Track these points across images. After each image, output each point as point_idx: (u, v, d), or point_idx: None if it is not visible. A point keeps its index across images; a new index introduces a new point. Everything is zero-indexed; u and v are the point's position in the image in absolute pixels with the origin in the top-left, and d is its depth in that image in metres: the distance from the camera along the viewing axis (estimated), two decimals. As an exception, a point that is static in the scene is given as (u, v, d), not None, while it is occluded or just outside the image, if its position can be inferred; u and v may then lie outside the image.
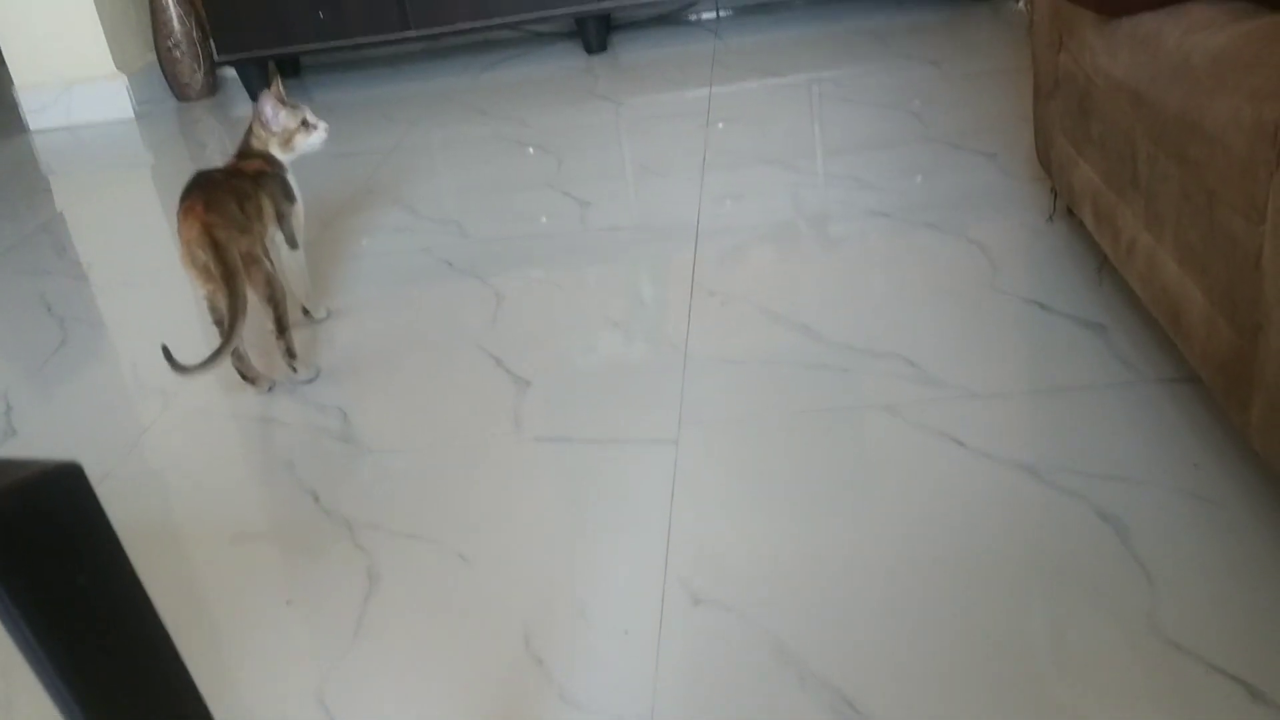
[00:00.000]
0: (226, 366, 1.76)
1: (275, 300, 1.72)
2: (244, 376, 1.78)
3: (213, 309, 1.71)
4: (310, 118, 1.88)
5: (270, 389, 1.78)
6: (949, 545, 1.23)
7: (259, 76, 3.59)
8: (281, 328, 1.73)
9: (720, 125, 2.73)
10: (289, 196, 1.88)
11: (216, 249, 1.63)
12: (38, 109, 3.63)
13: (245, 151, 1.88)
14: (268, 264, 1.74)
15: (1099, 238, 1.56)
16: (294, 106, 1.88)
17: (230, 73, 3.75)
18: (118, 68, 3.57)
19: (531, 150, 2.77)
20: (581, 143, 2.77)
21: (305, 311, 1.97)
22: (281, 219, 1.85)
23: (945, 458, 1.37)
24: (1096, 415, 1.41)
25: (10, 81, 3.65)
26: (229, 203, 1.70)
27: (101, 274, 2.44)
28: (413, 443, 1.59)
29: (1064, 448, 1.36)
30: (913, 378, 1.54)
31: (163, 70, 3.68)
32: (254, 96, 3.59)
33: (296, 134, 1.86)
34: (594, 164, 2.62)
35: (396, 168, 2.77)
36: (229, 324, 1.65)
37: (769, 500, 1.35)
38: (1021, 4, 1.94)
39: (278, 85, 1.90)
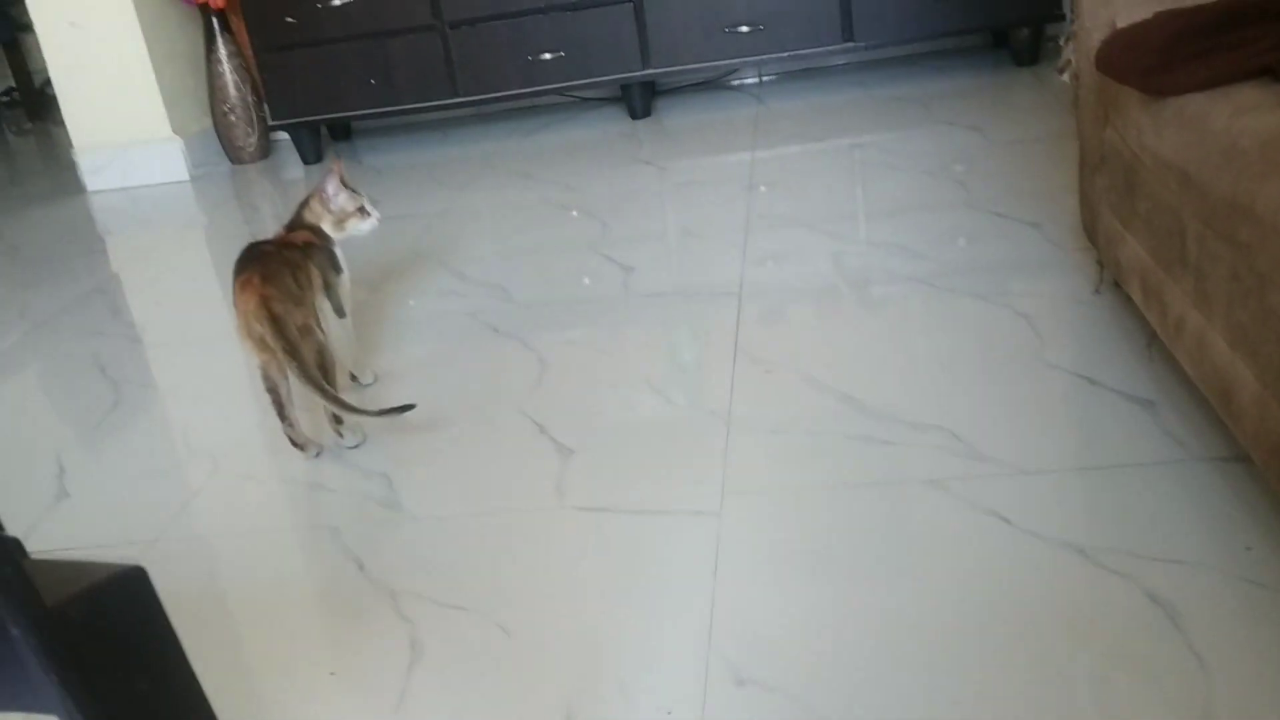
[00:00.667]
0: (276, 432, 1.79)
1: (325, 368, 1.75)
2: (293, 442, 1.80)
3: (266, 378, 1.76)
4: (367, 205, 1.94)
5: (318, 455, 1.80)
6: (996, 626, 1.21)
7: (311, 141, 3.67)
8: (329, 397, 1.75)
9: (762, 189, 2.75)
10: (336, 268, 1.93)
11: (275, 322, 1.67)
12: (95, 170, 3.73)
13: (296, 223, 1.93)
14: (319, 334, 1.77)
15: (1147, 313, 1.55)
16: (354, 192, 1.94)
17: (283, 137, 3.84)
18: (174, 131, 3.66)
19: (575, 214, 2.80)
20: (625, 207, 2.80)
21: (353, 377, 2.00)
22: (329, 289, 1.89)
23: (992, 536, 1.36)
24: (1146, 494, 1.39)
25: (69, 143, 3.75)
26: (284, 275, 1.75)
27: (155, 335, 2.49)
28: (456, 510, 1.60)
29: (1113, 527, 1.34)
30: (958, 452, 1.53)
31: (218, 134, 3.77)
32: (306, 160, 3.67)
33: (351, 217, 1.93)
34: (637, 228, 2.64)
35: (444, 231, 2.82)
36: (313, 384, 1.67)
37: (813, 576, 1.34)
38: (1065, 77, 1.95)
39: (342, 168, 1.95)
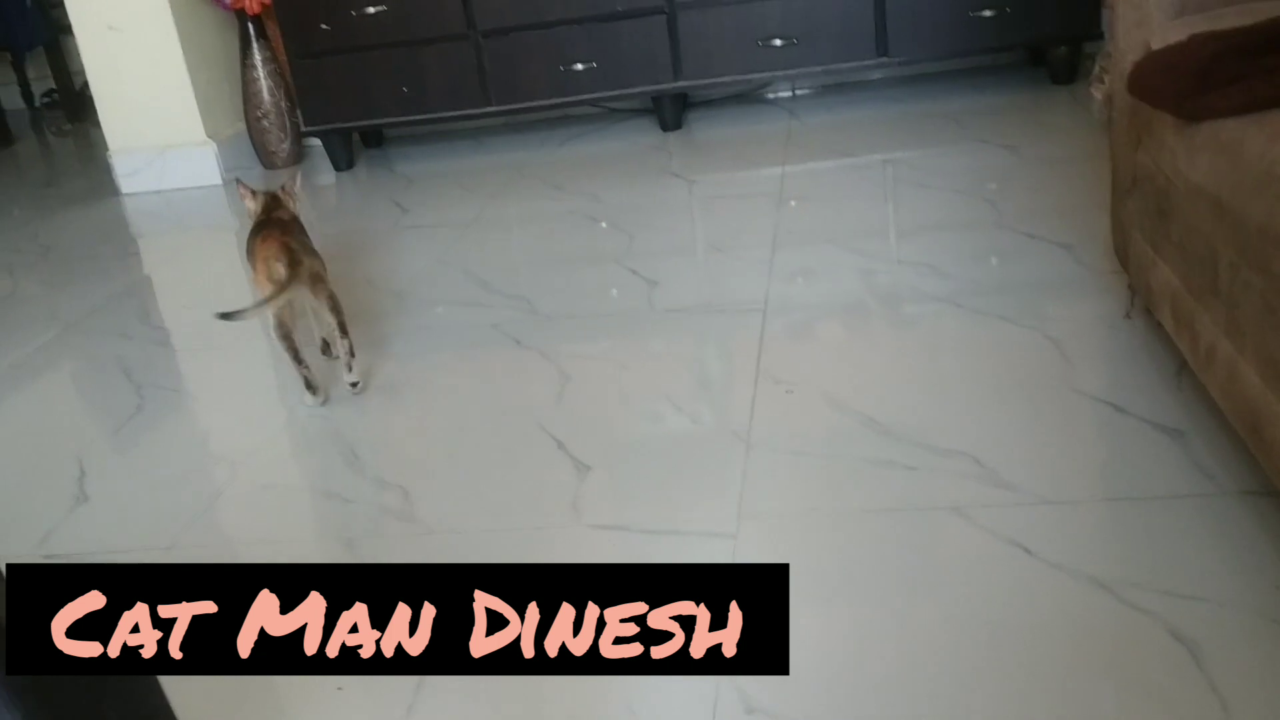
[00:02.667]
0: (295, 439, 1.79)
1: (338, 309, 1.98)
2: (307, 384, 1.98)
3: (280, 325, 1.94)
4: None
5: (324, 402, 2.00)
6: (1015, 659, 1.19)
7: (343, 147, 3.68)
8: (344, 331, 1.98)
9: (792, 204, 2.73)
10: None
11: (290, 254, 1.91)
12: (130, 173, 3.76)
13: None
14: (329, 284, 2.01)
15: (1178, 341, 1.52)
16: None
17: (315, 142, 3.86)
18: (208, 135, 3.69)
19: (604, 225, 2.79)
20: (653, 220, 2.79)
21: (325, 347, 2.18)
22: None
23: (1013, 566, 1.33)
24: (1173, 527, 1.36)
25: (105, 146, 3.79)
26: (301, 234, 2.05)
27: (181, 339, 2.50)
28: (472, 525, 1.59)
29: (1138, 561, 1.31)
30: (981, 479, 1.50)
31: (251, 139, 3.79)
32: (337, 166, 3.69)
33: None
34: (664, 241, 2.63)
35: (472, 240, 2.81)
36: (286, 280, 1.89)
37: (828, 604, 1.32)
38: (1099, 98, 1.91)
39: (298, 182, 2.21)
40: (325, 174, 3.72)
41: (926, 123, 3.23)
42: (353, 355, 2.01)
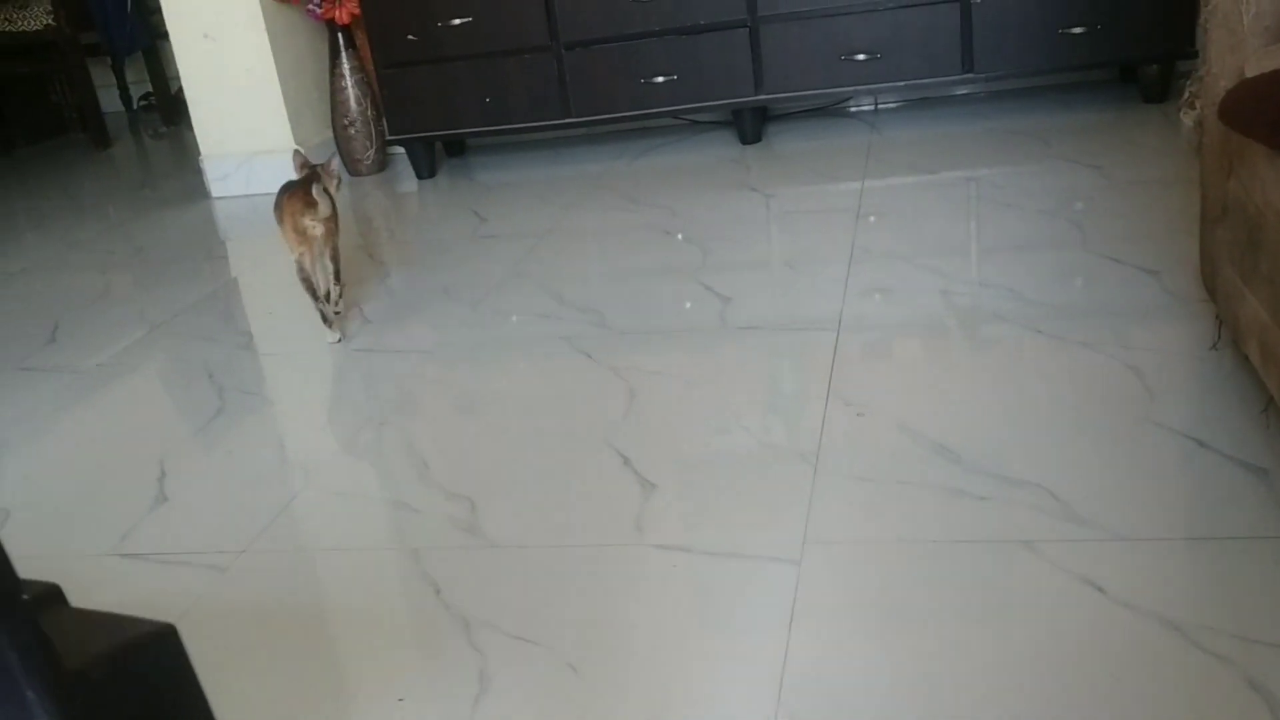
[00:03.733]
0: (367, 448, 1.81)
1: (336, 258, 2.41)
2: (324, 318, 2.40)
3: (300, 269, 2.34)
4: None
5: (339, 340, 2.41)
6: (1081, 701, 1.16)
7: (426, 156, 3.73)
8: (338, 278, 2.41)
9: (871, 219, 2.70)
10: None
11: (310, 207, 2.29)
12: (220, 177, 3.86)
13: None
14: (336, 239, 2.41)
15: (1265, 377, 1.47)
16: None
17: (399, 151, 3.92)
18: (296, 142, 3.77)
19: (679, 237, 2.79)
20: (729, 234, 2.78)
21: (325, 296, 2.45)
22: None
23: (1084, 604, 1.30)
24: (1253, 571, 1.31)
25: (198, 151, 3.89)
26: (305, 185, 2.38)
27: (263, 343, 2.56)
28: (536, 540, 1.59)
29: (1215, 605, 1.27)
30: (1055, 512, 1.47)
31: (337, 146, 3.87)
32: (420, 175, 3.75)
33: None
34: (739, 257, 2.62)
35: (548, 251, 2.83)
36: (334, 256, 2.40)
37: (891, 635, 1.30)
38: (1190, 123, 1.86)
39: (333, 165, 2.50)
40: (408, 181, 3.77)
41: (1011, 140, 3.17)
42: (339, 301, 2.43)
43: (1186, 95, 2.80)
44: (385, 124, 3.75)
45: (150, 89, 5.71)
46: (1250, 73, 1.47)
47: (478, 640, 1.39)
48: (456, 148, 3.98)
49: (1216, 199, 1.67)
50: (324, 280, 2.42)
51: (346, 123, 3.81)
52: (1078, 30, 3.17)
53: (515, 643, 1.38)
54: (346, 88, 3.78)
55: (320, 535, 1.71)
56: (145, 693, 0.47)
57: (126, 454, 2.05)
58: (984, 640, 1.27)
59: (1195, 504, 1.47)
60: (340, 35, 3.75)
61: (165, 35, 3.87)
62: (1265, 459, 1.50)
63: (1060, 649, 1.24)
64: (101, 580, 1.64)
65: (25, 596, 0.47)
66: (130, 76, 5.85)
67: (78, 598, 0.86)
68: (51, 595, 0.49)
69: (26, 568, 1.45)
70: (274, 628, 1.49)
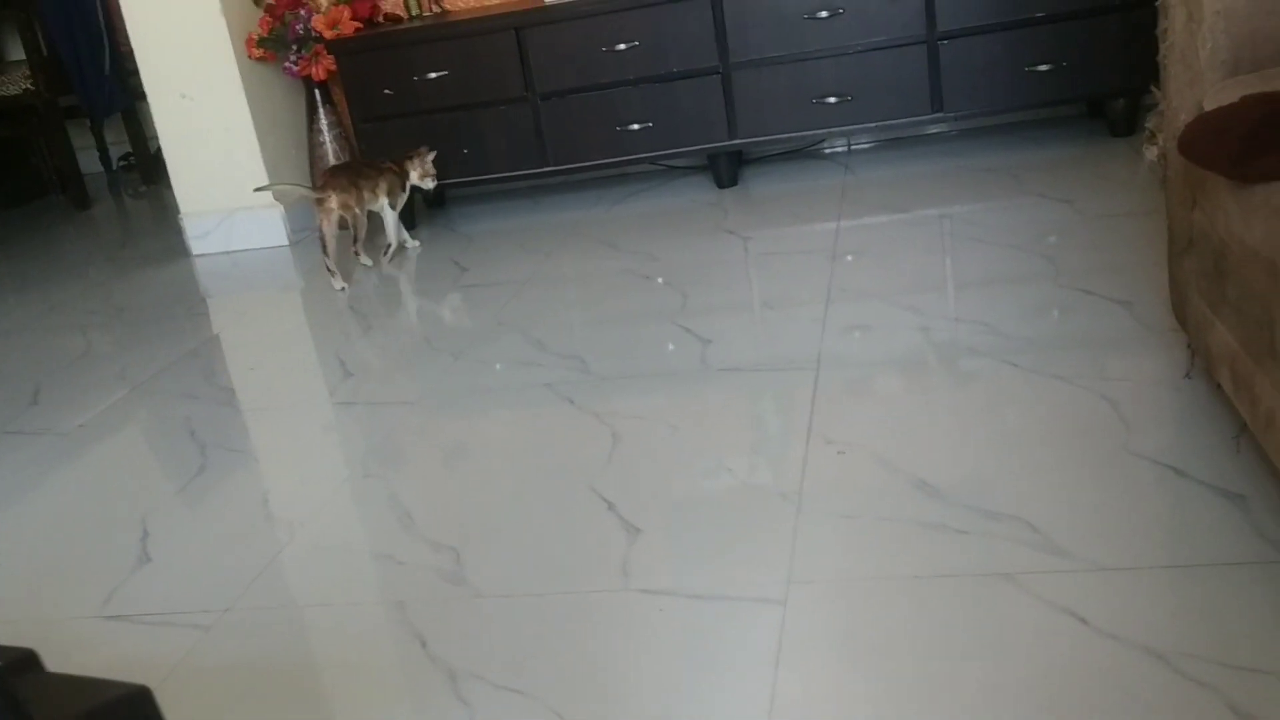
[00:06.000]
0: (351, 500, 1.81)
1: (348, 224, 3.24)
2: (329, 269, 3.17)
3: (320, 229, 3.22)
4: (429, 175, 3.47)
5: (343, 289, 3.14)
6: (1068, 736, 1.16)
7: (405, 208, 3.75)
8: (355, 240, 3.28)
9: (848, 259, 2.73)
10: (403, 189, 3.43)
11: (330, 178, 3.24)
12: (200, 235, 3.87)
13: (394, 160, 3.45)
14: (356, 211, 3.24)
15: (1237, 403, 1.49)
16: (431, 167, 3.46)
17: (378, 202, 3.94)
18: (275, 199, 3.79)
19: (659, 281, 2.81)
20: (707, 277, 2.80)
21: (388, 248, 3.40)
22: (393, 196, 3.38)
23: (1067, 636, 1.30)
24: (1233, 597, 1.32)
25: (177, 209, 3.91)
26: (352, 176, 3.27)
27: (246, 399, 2.56)
28: (521, 588, 1.59)
29: (1197, 632, 1.28)
30: (1035, 544, 1.48)
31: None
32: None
33: (427, 176, 3.47)
34: (718, 299, 2.64)
35: (528, 299, 2.85)
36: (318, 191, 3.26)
37: (877, 672, 1.30)
38: (1152, 157, 1.90)
39: (430, 154, 3.46)
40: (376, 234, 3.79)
41: (983, 177, 3.22)
42: (356, 253, 3.33)
43: (1148, 131, 2.85)
44: (364, 177, 3.77)
45: (130, 149, 5.73)
46: (1208, 106, 1.51)
47: (465, 692, 1.39)
48: (436, 198, 4.00)
49: (1182, 230, 1.70)
50: (384, 230, 3.41)
51: (320, 185, 3.82)
52: (1044, 68, 3.23)
53: (502, 693, 1.37)
54: (325, 143, 3.81)
55: (305, 591, 1.70)
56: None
57: (109, 514, 2.04)
58: (969, 675, 1.28)
59: (1174, 532, 1.48)
60: (317, 91, 3.79)
61: (143, 96, 3.89)
62: (1241, 485, 1.52)
63: (1045, 681, 1.24)
64: (85, 642, 1.63)
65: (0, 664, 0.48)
66: (109, 137, 5.87)
67: (61, 661, 0.86)
68: (26, 661, 0.50)
69: (10, 631, 1.45)
70: (260, 685, 1.48)
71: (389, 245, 3.41)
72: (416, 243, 3.52)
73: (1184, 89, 1.62)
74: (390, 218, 3.39)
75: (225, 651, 1.56)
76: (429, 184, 3.44)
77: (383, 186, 3.33)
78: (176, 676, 1.52)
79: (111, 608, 1.71)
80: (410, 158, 3.42)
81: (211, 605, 1.67)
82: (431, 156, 3.42)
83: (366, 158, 3.50)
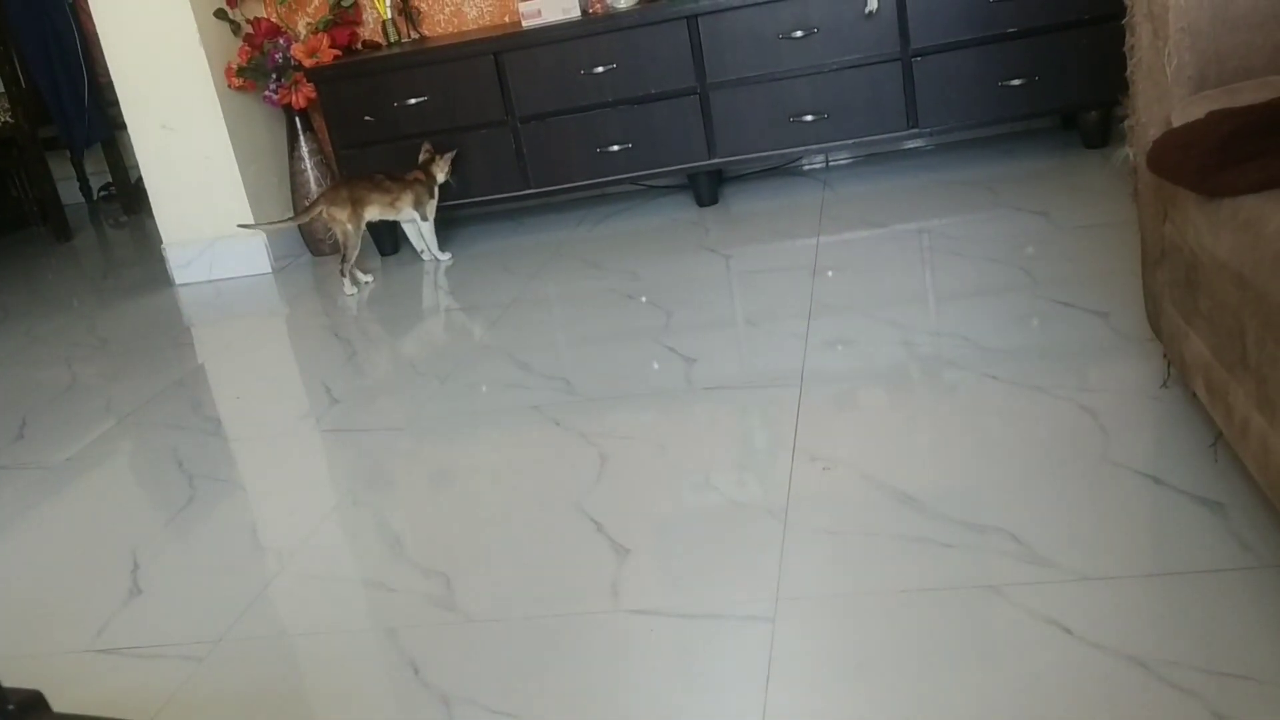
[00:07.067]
0: (340, 528, 1.82)
1: (339, 242, 3.35)
2: (341, 273, 3.35)
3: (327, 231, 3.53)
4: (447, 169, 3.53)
5: (354, 294, 3.32)
6: (1054, 745, 1.18)
7: (388, 232, 3.77)
8: (344, 258, 3.36)
9: (829, 274, 2.75)
10: (431, 195, 3.50)
11: (334, 193, 3.39)
12: (183, 265, 3.88)
13: (417, 169, 3.52)
14: (348, 227, 3.35)
15: (1212, 412, 1.52)
16: (450, 166, 3.52)
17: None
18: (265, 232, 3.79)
19: (642, 300, 2.83)
20: (690, 295, 2.82)
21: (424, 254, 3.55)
22: (421, 205, 3.48)
23: (1051, 646, 1.32)
24: (1214, 603, 1.35)
25: (160, 239, 3.91)
26: (351, 192, 3.39)
27: (232, 428, 2.56)
28: (512, 612, 1.61)
29: (1178, 639, 1.30)
30: (1019, 556, 1.50)
31: (299, 227, 3.89)
32: (383, 251, 3.78)
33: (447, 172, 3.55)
34: (701, 317, 2.66)
35: (512, 321, 2.86)
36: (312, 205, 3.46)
37: (865, 687, 1.32)
38: (1122, 161, 1.92)
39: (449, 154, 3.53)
40: (371, 258, 3.80)
41: (960, 191, 3.25)
42: (342, 274, 3.37)
43: (1125, 134, 2.88)
44: (346, 203, 3.78)
45: (110, 179, 5.73)
46: (1176, 122, 1.54)
47: (459, 717, 1.40)
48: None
49: (1155, 242, 1.73)
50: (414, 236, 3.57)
51: (307, 205, 3.84)
52: (1017, 82, 3.27)
53: (497, 717, 1.38)
54: (306, 170, 3.82)
55: (296, 620, 1.71)
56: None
57: (99, 548, 2.05)
58: (957, 687, 1.29)
59: (1155, 540, 1.51)
60: (297, 119, 3.80)
61: (123, 126, 3.90)
62: (1219, 493, 1.55)
63: (1032, 691, 1.26)
64: (80, 677, 1.63)
65: (10, 706, 0.49)
66: (90, 168, 5.87)
67: (57, 696, 0.87)
68: (34, 701, 0.51)
69: (3, 668, 1.46)
70: (255, 716, 1.49)
71: (423, 251, 3.58)
72: (448, 255, 3.57)
73: (1152, 104, 1.66)
74: (426, 229, 3.52)
75: (219, 683, 1.56)
76: (443, 178, 3.53)
77: (406, 198, 3.43)
78: (172, 709, 1.52)
79: (104, 641, 1.71)
80: (432, 160, 3.49)
81: (203, 636, 1.67)
82: (451, 155, 3.50)
83: (390, 171, 3.53)
